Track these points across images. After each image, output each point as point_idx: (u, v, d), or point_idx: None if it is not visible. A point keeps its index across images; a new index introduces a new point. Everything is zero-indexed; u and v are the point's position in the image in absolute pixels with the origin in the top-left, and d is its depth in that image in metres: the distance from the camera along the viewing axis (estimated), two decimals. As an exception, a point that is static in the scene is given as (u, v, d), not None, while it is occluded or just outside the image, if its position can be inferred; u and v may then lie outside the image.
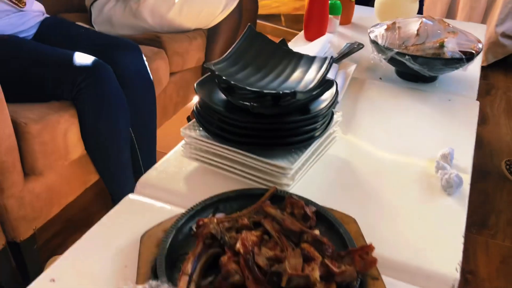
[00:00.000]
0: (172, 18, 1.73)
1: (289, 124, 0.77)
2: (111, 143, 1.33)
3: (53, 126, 1.20)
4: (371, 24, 1.64)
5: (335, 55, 1.27)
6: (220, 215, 0.74)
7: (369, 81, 1.26)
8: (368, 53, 1.30)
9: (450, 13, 2.69)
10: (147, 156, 1.53)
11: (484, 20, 2.64)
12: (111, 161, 1.36)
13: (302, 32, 1.53)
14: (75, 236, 1.57)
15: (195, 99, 1.98)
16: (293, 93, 0.72)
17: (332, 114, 0.86)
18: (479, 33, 1.64)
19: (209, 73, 0.84)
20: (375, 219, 0.78)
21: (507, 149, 2.13)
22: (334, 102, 0.82)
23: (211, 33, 1.82)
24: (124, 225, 0.76)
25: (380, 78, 1.27)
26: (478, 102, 1.16)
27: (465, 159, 0.94)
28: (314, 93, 0.79)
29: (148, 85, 1.44)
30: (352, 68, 1.23)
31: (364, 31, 1.60)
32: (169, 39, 1.68)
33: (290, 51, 0.91)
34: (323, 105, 0.81)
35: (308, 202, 0.73)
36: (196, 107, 0.85)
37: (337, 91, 0.84)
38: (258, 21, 2.80)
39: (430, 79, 1.23)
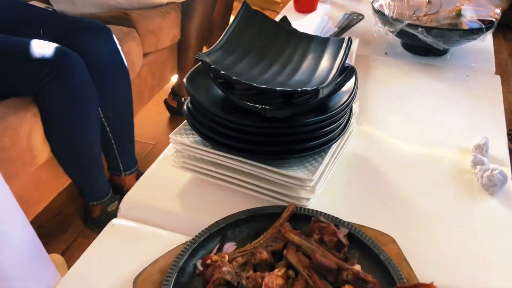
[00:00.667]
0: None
1: (306, 126, 0.62)
2: (80, 141, 1.16)
3: (14, 129, 1.02)
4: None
5: (335, 30, 1.11)
6: (229, 245, 0.60)
7: (374, 57, 1.11)
8: (369, 24, 1.15)
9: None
10: (124, 150, 1.37)
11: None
12: (81, 161, 1.20)
13: (291, 2, 1.36)
14: (50, 244, 1.42)
15: (174, 78, 1.80)
16: (316, 91, 0.57)
17: (351, 107, 0.72)
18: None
19: (199, 63, 0.68)
20: (410, 233, 0.65)
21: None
22: (355, 94, 0.68)
23: (186, 6, 1.63)
24: (109, 263, 0.61)
25: (386, 53, 1.13)
26: (498, 77, 1.03)
27: (499, 148, 0.81)
28: (336, 85, 0.64)
29: (122, 72, 1.26)
30: (354, 44, 1.08)
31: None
32: (139, 16, 1.49)
33: (296, 31, 0.75)
34: (343, 99, 0.66)
35: (338, 222, 0.60)
36: (188, 106, 0.69)
37: (356, 80, 0.69)
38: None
39: (441, 52, 1.10)
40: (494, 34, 1.49)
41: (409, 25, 1.00)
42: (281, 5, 2.77)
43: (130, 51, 1.39)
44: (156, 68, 1.60)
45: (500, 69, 2.29)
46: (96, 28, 1.21)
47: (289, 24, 0.78)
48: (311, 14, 1.13)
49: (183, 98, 1.80)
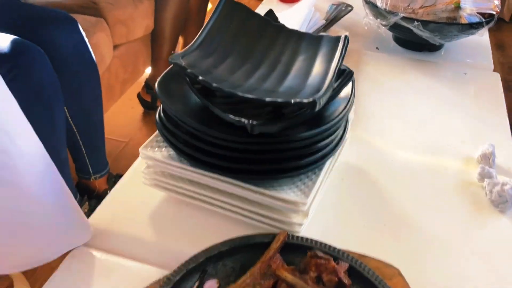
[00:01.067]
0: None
1: (298, 142, 0.54)
2: (45, 145, 1.04)
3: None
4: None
5: (322, 22, 1.02)
6: (210, 283, 0.51)
7: (365, 52, 1.03)
8: (358, 16, 1.07)
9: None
10: (93, 151, 1.26)
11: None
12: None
13: (273, -9, 1.26)
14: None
15: (148, 71, 1.69)
16: (312, 104, 0.48)
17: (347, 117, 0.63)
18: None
19: (173, 66, 0.59)
20: (416, 260, 0.57)
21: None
22: (352, 101, 0.59)
23: (160, -5, 1.52)
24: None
25: (377, 48, 1.05)
26: (498, 75, 0.96)
27: (506, 155, 0.74)
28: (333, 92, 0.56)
29: (90, 67, 1.15)
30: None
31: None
32: (108, 4, 1.37)
33: (284, 28, 0.66)
34: (339, 108, 0.58)
35: (336, 254, 0.52)
36: (160, 116, 0.59)
37: (354, 86, 0.60)
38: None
39: (436, 47, 1.02)
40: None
41: (404, 18, 0.92)
42: (260, -8, 2.65)
43: (98, 43, 1.27)
44: (127, 60, 1.49)
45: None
46: (61, 19, 1.09)
47: (275, 18, 0.69)
48: (297, 5, 1.04)
49: (157, 92, 1.69)
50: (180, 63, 0.55)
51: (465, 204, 0.66)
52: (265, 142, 0.53)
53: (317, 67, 0.58)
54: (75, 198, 1.22)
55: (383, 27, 0.97)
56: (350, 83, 0.60)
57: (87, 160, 1.25)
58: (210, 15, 0.64)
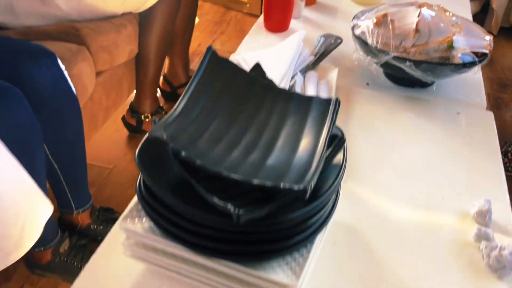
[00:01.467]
0: (92, 3, 1.36)
1: (289, 222, 0.50)
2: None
3: None
4: (340, 2, 1.39)
5: (311, 59, 0.99)
6: None
7: (355, 89, 1.00)
8: (348, 48, 1.04)
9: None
10: (76, 186, 1.22)
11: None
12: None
13: (261, 18, 1.23)
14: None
15: (132, 94, 1.65)
16: (303, 191, 0.45)
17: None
18: (465, 7, 1.42)
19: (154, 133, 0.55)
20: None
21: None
22: (343, 171, 0.56)
23: (144, 18, 1.47)
24: None
25: (368, 84, 1.02)
26: (491, 114, 0.94)
27: (502, 211, 0.72)
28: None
29: (70, 102, 1.10)
30: (333, 74, 0.96)
31: (334, 12, 1.33)
32: (91, 31, 1.32)
33: (271, 86, 0.62)
34: (330, 178, 0.54)
35: None
36: (140, 186, 0.56)
37: (346, 153, 0.57)
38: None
39: (428, 83, 0.99)
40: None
41: (395, 57, 0.89)
42: (247, 5, 2.62)
43: (80, 73, 1.22)
44: (111, 87, 1.44)
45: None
46: (39, 55, 1.04)
47: (262, 73, 0.65)
48: (286, 41, 1.00)
49: (142, 116, 1.64)
50: (162, 136, 0.51)
51: (461, 267, 0.63)
52: (252, 224, 0.49)
53: (307, 137, 0.55)
54: (56, 235, 1.18)
55: (375, 65, 0.94)
56: (343, 152, 0.57)
57: (69, 195, 1.20)
58: (195, 73, 0.61)
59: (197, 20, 1.98)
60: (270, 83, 0.63)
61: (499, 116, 1.93)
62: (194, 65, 2.20)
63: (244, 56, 0.96)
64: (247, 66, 0.93)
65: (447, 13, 0.97)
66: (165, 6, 1.45)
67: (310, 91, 0.88)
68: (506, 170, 1.69)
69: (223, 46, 2.35)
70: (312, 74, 0.94)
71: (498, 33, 2.54)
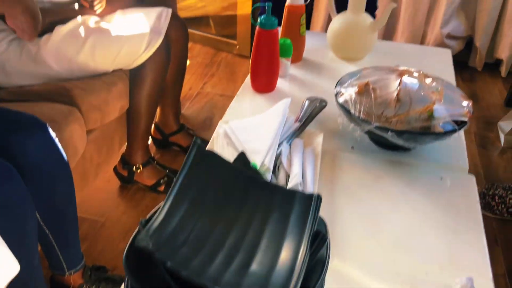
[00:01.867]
0: (83, 62, 1.39)
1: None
2: (14, 255, 1.00)
3: None
4: (324, 57, 1.43)
5: (296, 125, 1.02)
6: None
7: (340, 153, 1.02)
8: (332, 110, 1.07)
9: (393, 12, 2.51)
10: (67, 247, 1.22)
11: (428, 21, 2.48)
12: (16, 277, 1.04)
13: (248, 79, 1.26)
14: None
15: (125, 147, 1.66)
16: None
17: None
18: (446, 60, 1.46)
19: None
20: None
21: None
22: (326, 269, 0.58)
23: (134, 74, 1.50)
24: None
25: (352, 147, 1.04)
26: (473, 178, 0.96)
27: (485, 286, 0.73)
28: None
29: (62, 169, 1.11)
30: (319, 140, 0.99)
31: (319, 68, 1.37)
32: (82, 91, 1.34)
33: (256, 178, 0.65)
34: (314, 277, 0.56)
35: None
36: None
37: (329, 249, 0.59)
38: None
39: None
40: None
41: (378, 127, 0.92)
42: (237, 46, 2.67)
43: (71, 135, 1.24)
44: (102, 143, 1.46)
45: (460, 114, 2.26)
46: (31, 126, 1.06)
47: (247, 162, 0.68)
48: (272, 109, 1.03)
49: (134, 167, 1.66)
50: (148, 246, 0.53)
51: None
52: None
53: (289, 238, 0.57)
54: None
55: (359, 132, 0.97)
56: (326, 247, 0.59)
57: (61, 257, 1.20)
58: (181, 168, 0.63)
59: (188, 62, 2.01)
60: (254, 174, 0.65)
61: (486, 156, 1.96)
62: (185, 109, 2.22)
63: (232, 126, 0.98)
64: (234, 137, 0.95)
65: (428, 79, 1.00)
66: (155, 62, 1.48)
67: (296, 163, 0.90)
68: (493, 213, 1.71)
69: (213, 89, 2.38)
70: (297, 143, 0.96)
71: (482, 69, 2.60)
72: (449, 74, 1.38)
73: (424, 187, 0.93)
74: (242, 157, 0.68)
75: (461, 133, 1.02)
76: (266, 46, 1.16)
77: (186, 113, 2.20)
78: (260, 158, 0.88)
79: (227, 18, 2.99)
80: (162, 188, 1.68)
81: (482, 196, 1.67)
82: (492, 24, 2.44)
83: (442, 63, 1.45)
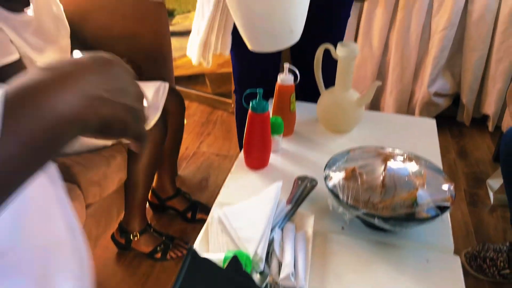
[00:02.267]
0: (83, 138, 1.45)
1: None
2: None
3: None
4: (315, 130, 1.49)
5: (288, 208, 1.06)
6: None
7: (331, 235, 1.06)
8: (322, 190, 1.12)
9: (381, 72, 2.62)
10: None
11: (415, 80, 2.58)
12: None
13: (241, 155, 1.31)
14: None
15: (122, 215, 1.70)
16: None
17: None
18: (431, 129, 1.52)
19: None
20: None
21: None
22: None
23: (133, 146, 1.56)
24: None
25: (343, 228, 1.08)
26: (458, 259, 1.00)
27: None
28: None
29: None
30: (310, 222, 1.03)
31: (310, 142, 1.43)
32: (81, 167, 1.39)
33: (246, 284, 0.68)
34: None
35: None
36: None
37: None
38: (179, 87, 2.56)
39: (399, 226, 1.06)
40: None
41: (365, 213, 0.96)
42: (232, 105, 2.75)
43: (70, 213, 1.28)
44: (101, 216, 1.50)
45: (450, 170, 2.33)
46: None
47: (240, 267, 0.72)
48: (263, 193, 1.08)
49: (131, 235, 1.69)
50: None
51: None
52: None
53: None
54: None
55: (348, 215, 1.01)
56: None
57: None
58: (176, 277, 0.67)
59: (185, 121, 2.07)
60: (245, 279, 0.69)
61: (476, 215, 2.00)
62: (182, 170, 2.27)
63: (225, 211, 1.02)
64: (228, 223, 1.00)
65: (411, 164, 1.06)
66: (153, 136, 1.54)
67: (288, 250, 0.93)
68: (485, 275, 1.74)
69: (209, 148, 2.44)
70: (289, 228, 1.01)
71: (470, 124, 2.68)
72: (433, 144, 1.44)
73: (411, 271, 0.97)
74: (234, 262, 0.72)
75: (446, 214, 1.06)
76: (258, 128, 1.22)
77: (182, 173, 2.25)
78: (253, 247, 0.92)
79: (222, 76, 3.08)
80: (159, 255, 1.71)
81: (474, 258, 1.70)
82: (477, 81, 2.53)
83: (427, 132, 1.51)
